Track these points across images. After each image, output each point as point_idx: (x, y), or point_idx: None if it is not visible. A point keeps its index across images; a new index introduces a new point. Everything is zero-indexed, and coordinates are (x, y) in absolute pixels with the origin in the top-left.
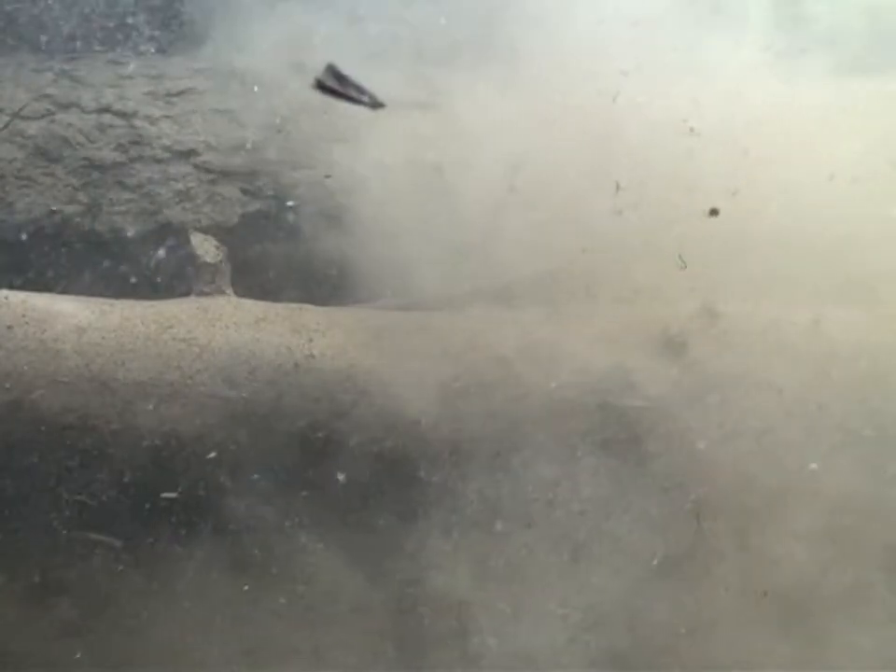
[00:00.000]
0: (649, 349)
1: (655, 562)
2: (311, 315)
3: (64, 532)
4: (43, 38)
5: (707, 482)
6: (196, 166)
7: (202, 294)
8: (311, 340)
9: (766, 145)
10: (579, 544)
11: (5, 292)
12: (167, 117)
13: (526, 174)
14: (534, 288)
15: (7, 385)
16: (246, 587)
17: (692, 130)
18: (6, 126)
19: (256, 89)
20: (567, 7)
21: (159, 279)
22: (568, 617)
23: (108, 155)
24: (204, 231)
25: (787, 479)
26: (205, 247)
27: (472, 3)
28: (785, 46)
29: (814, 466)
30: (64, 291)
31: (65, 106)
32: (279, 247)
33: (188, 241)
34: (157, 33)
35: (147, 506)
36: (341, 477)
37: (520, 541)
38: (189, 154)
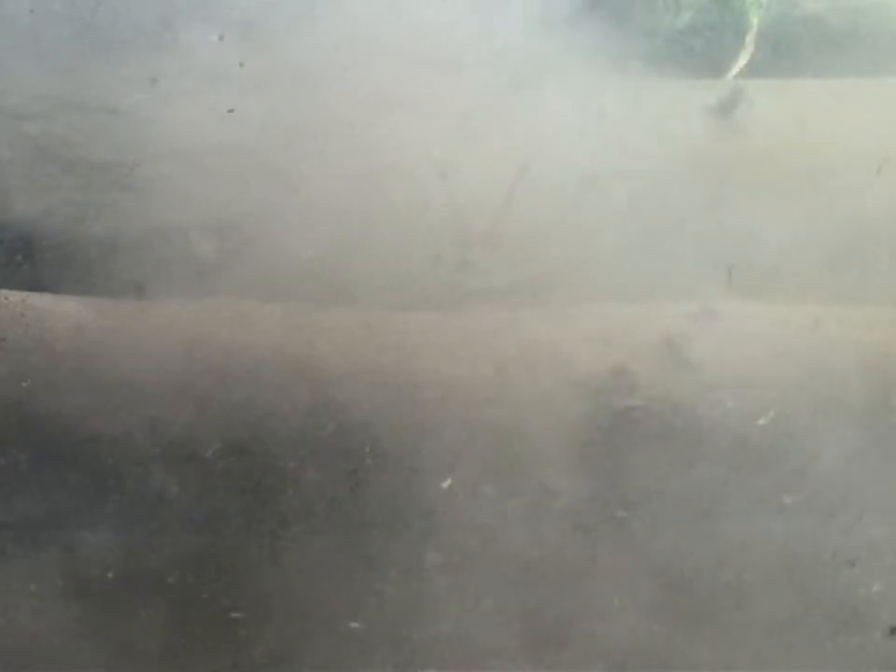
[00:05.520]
0: (649, 349)
1: None
2: (306, 314)
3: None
4: (43, 38)
5: None
6: (196, 166)
7: (202, 294)
8: (309, 339)
9: None
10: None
11: (4, 292)
12: (168, 116)
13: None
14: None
15: (6, 386)
16: None
17: None
18: None
19: None
20: None
21: (159, 279)
22: None
23: (108, 155)
24: (205, 230)
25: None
26: (205, 247)
27: None
28: None
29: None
30: (64, 291)
31: (65, 106)
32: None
33: (188, 241)
34: (160, 32)
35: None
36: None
37: None
38: (189, 154)
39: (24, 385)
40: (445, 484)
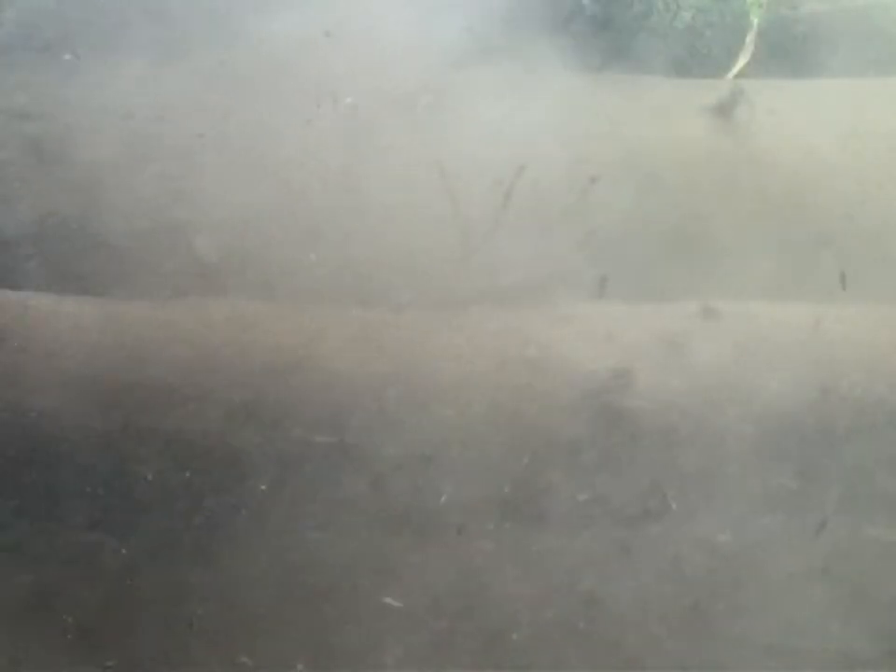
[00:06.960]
0: (649, 349)
1: None
2: (306, 314)
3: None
4: (43, 38)
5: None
6: (196, 165)
7: (202, 294)
8: (309, 339)
9: None
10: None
11: (4, 292)
12: (168, 116)
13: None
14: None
15: (6, 387)
16: None
17: None
18: None
19: None
20: None
21: (159, 279)
22: None
23: (108, 155)
24: (206, 230)
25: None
26: (205, 247)
27: None
28: None
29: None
30: (64, 291)
31: (65, 106)
32: None
33: (188, 240)
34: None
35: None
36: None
37: None
38: (189, 153)
39: (24, 385)
40: (446, 487)
